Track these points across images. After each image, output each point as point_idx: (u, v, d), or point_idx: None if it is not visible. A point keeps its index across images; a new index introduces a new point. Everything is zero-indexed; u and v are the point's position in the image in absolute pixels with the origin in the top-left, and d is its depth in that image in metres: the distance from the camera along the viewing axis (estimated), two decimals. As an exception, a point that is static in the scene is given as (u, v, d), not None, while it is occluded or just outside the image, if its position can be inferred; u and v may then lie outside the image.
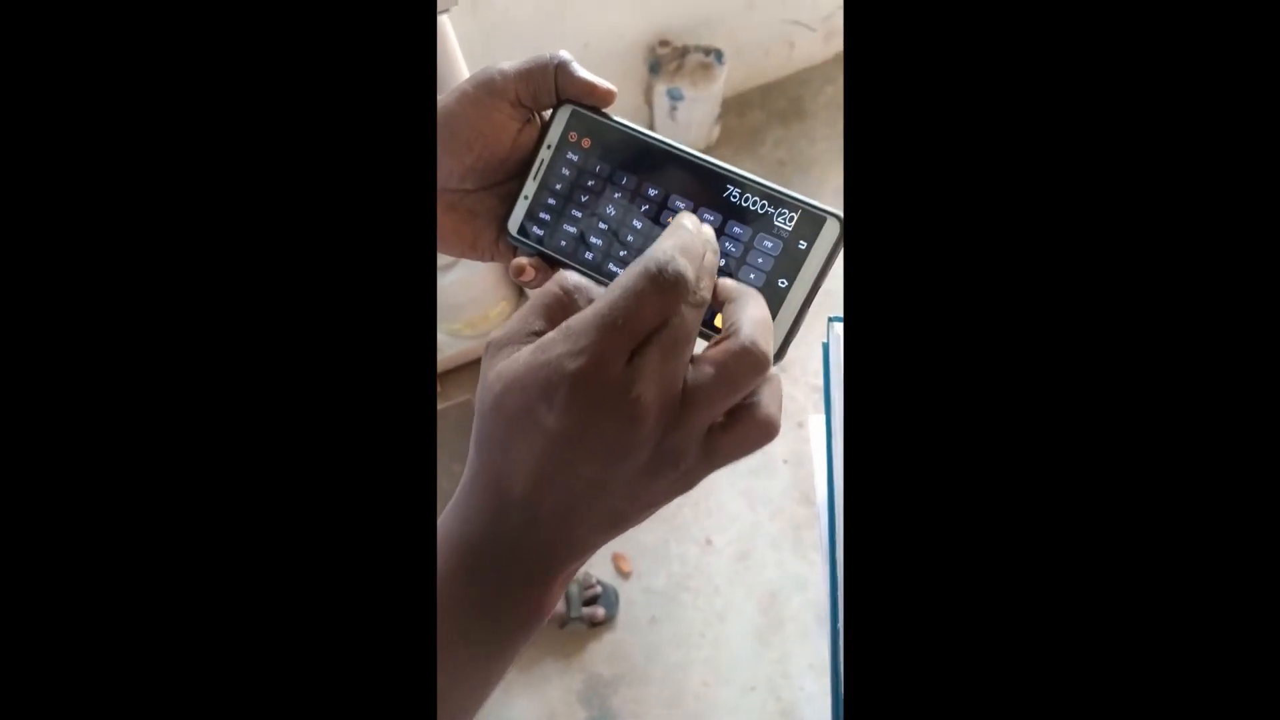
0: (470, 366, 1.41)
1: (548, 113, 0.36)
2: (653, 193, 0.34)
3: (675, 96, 1.50)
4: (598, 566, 1.30)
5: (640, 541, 1.32)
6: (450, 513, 0.27)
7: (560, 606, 1.23)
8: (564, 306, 0.26)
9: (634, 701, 1.21)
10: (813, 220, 0.32)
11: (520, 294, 1.36)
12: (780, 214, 0.32)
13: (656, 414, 0.23)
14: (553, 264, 0.36)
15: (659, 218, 0.34)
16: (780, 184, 0.32)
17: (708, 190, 0.33)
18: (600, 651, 1.25)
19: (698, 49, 1.49)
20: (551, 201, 0.35)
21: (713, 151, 0.34)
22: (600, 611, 1.24)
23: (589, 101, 0.35)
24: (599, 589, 1.26)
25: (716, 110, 1.59)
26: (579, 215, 0.35)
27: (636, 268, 0.24)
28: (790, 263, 0.32)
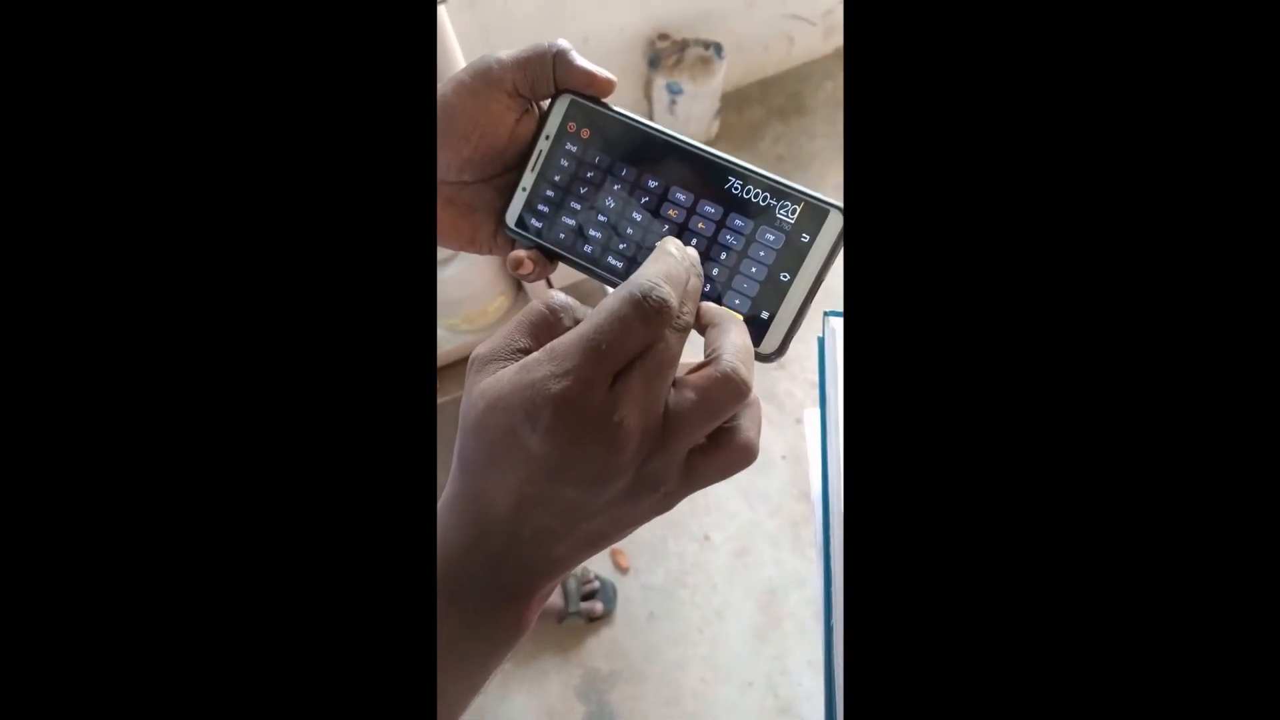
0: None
1: (546, 103, 0.35)
2: (653, 184, 0.33)
3: (674, 91, 1.50)
4: (596, 562, 1.30)
5: (638, 538, 1.32)
6: None
7: (558, 601, 1.23)
8: (550, 325, 0.26)
9: (632, 698, 1.21)
10: (816, 213, 0.31)
11: (519, 288, 1.36)
12: (783, 206, 0.32)
13: (639, 439, 0.23)
14: (551, 257, 0.35)
15: (659, 210, 0.33)
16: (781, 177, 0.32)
17: (709, 182, 0.33)
18: (598, 647, 1.25)
19: (697, 43, 1.48)
20: (550, 193, 0.35)
21: (712, 146, 0.33)
22: (598, 606, 1.24)
23: (588, 91, 0.34)
24: (597, 584, 1.26)
25: (716, 105, 1.59)
26: (578, 207, 0.34)
27: (621, 293, 0.24)
28: (793, 256, 0.31)
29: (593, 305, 0.25)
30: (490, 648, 0.27)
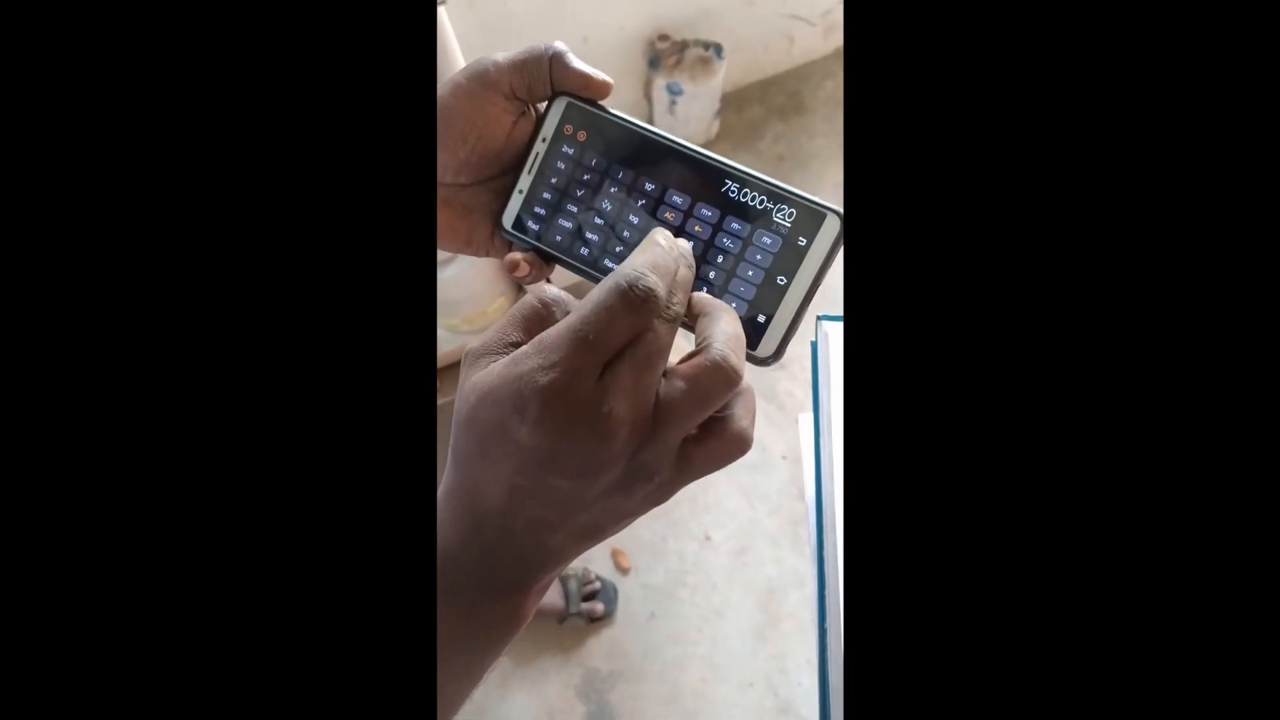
0: (468, 362, 1.40)
1: (543, 105, 0.35)
2: (650, 187, 0.33)
3: (674, 91, 1.50)
4: (596, 562, 1.30)
5: (639, 537, 1.32)
6: None
7: (559, 601, 1.23)
8: (541, 319, 0.26)
9: (632, 698, 1.21)
10: (813, 216, 0.31)
11: (519, 290, 1.36)
12: (780, 210, 0.32)
13: (629, 429, 0.23)
14: (548, 259, 0.35)
15: (656, 212, 0.33)
16: (779, 179, 0.32)
17: (706, 185, 0.33)
18: (598, 647, 1.25)
19: (697, 43, 1.48)
20: (546, 196, 0.35)
21: (712, 147, 0.33)
22: (599, 607, 1.24)
23: (585, 93, 0.34)
24: (598, 584, 1.26)
25: (716, 105, 1.59)
26: (575, 210, 0.34)
27: (608, 283, 0.24)
28: (790, 259, 0.31)
29: None
30: (487, 641, 0.27)
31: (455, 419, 0.25)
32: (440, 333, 1.34)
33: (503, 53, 0.33)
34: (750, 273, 0.32)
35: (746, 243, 0.32)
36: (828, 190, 1.59)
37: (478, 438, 0.24)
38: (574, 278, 0.35)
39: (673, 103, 1.52)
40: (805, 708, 1.19)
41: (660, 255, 0.25)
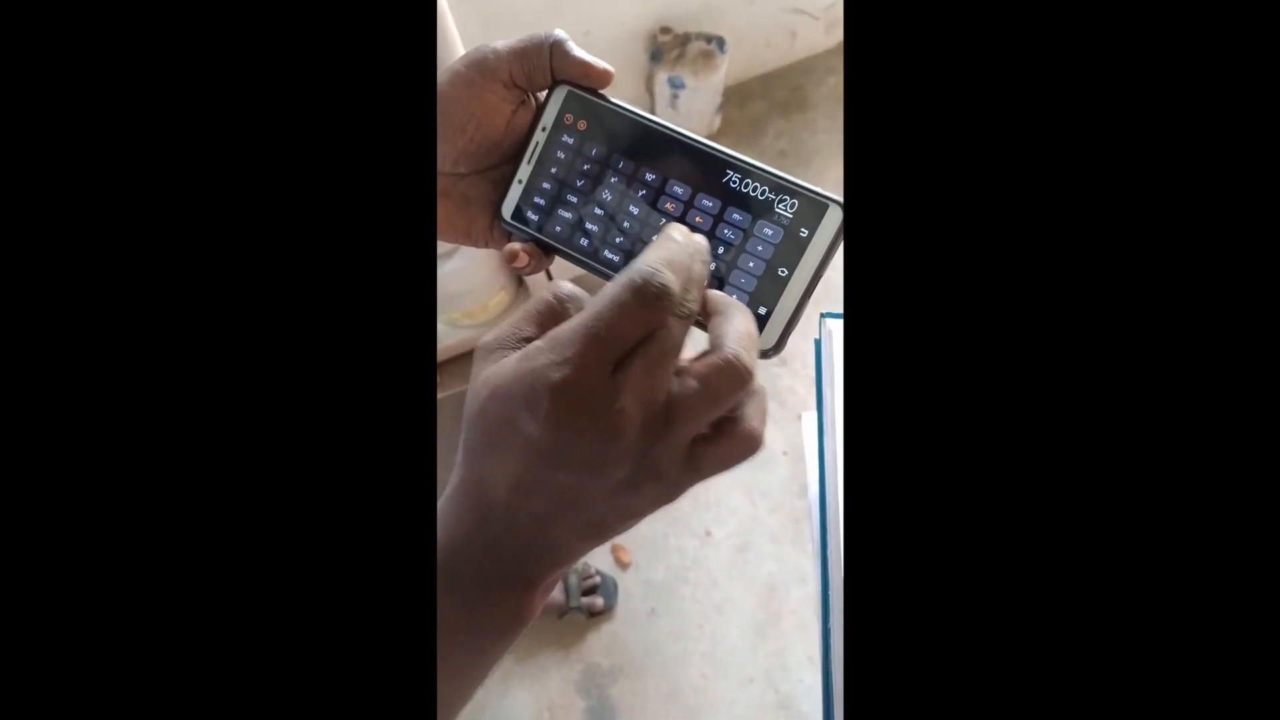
0: (468, 356, 1.40)
1: (543, 94, 0.35)
2: (650, 177, 0.33)
3: (676, 85, 1.49)
4: (597, 557, 1.30)
5: (639, 533, 1.32)
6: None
7: (559, 596, 1.23)
8: (555, 315, 0.26)
9: (632, 694, 1.21)
10: (815, 207, 0.31)
11: (520, 284, 1.35)
12: (782, 201, 0.31)
13: (639, 427, 0.23)
14: (547, 250, 0.35)
15: (657, 203, 0.33)
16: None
17: (707, 175, 0.32)
18: (599, 642, 1.25)
19: (699, 37, 1.47)
20: (546, 186, 0.34)
21: (714, 141, 0.33)
22: (599, 601, 1.24)
23: (585, 82, 0.34)
24: (598, 579, 1.26)
25: (718, 99, 1.58)
26: (575, 200, 0.34)
27: (622, 279, 0.24)
28: (791, 251, 0.31)
29: None
30: (490, 637, 0.27)
31: (466, 412, 0.25)
32: (440, 327, 1.34)
33: (502, 41, 0.33)
34: (751, 264, 0.31)
35: (748, 234, 0.31)
36: (829, 186, 1.58)
37: (486, 432, 0.24)
38: (575, 269, 0.35)
39: (674, 97, 1.52)
40: (806, 704, 1.19)
41: (676, 251, 0.25)
